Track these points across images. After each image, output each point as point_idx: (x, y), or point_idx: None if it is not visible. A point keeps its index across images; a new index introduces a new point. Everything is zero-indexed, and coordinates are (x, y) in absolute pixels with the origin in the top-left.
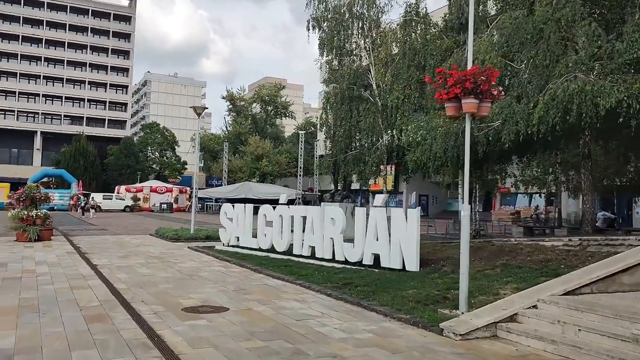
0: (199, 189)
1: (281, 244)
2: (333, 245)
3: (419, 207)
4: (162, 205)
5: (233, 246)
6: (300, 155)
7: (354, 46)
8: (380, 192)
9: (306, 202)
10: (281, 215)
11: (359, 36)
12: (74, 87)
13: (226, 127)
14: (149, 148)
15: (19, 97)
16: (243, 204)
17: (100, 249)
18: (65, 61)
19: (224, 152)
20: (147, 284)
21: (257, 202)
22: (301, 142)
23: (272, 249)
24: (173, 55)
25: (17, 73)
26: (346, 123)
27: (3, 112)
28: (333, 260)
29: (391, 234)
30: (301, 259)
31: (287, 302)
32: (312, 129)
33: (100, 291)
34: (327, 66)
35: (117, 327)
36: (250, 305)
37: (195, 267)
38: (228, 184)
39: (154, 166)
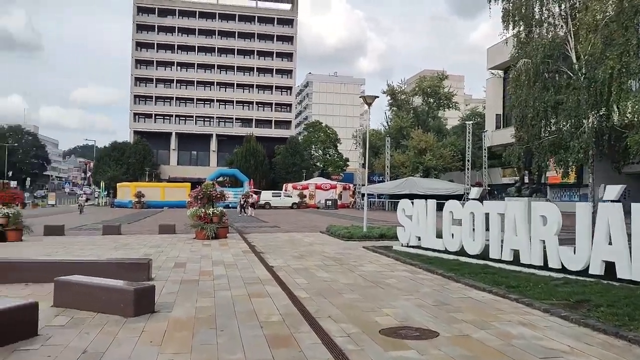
0: (362, 185)
1: (474, 246)
2: (544, 249)
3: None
4: (327, 201)
5: (413, 247)
6: (468, 147)
7: (546, 14)
8: (567, 184)
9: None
10: (472, 213)
11: (553, 2)
12: (243, 92)
13: (387, 122)
14: (313, 146)
15: (196, 103)
16: (424, 200)
17: (274, 247)
18: (235, 67)
19: (386, 147)
20: (329, 293)
21: (422, 198)
22: (468, 133)
23: (461, 252)
24: (331, 57)
25: (194, 81)
26: (540, 103)
27: (184, 118)
28: (545, 267)
29: (632, 235)
30: (502, 265)
31: (511, 325)
32: (478, 119)
33: (280, 301)
34: (515, 40)
35: (305, 355)
36: (464, 329)
37: (377, 272)
38: (390, 180)
39: (317, 164)
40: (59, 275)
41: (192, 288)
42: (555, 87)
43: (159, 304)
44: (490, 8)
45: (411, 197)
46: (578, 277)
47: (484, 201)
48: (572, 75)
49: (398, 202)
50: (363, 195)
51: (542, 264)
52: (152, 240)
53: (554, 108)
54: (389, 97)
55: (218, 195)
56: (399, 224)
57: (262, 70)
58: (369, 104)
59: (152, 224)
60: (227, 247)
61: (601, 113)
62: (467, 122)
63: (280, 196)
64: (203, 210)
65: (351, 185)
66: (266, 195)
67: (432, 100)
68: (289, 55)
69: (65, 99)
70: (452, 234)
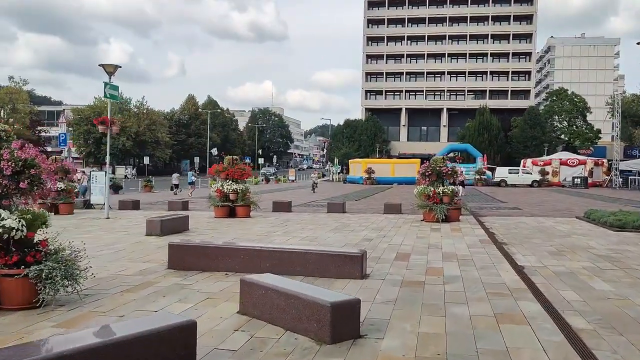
0: (619, 160)
1: None
2: None
3: None
4: (575, 179)
5: None
6: None
7: None
8: None
9: None
10: None
11: None
12: (476, 61)
13: None
14: (556, 117)
15: (426, 77)
16: None
17: (519, 237)
18: (468, 36)
19: None
20: (624, 323)
21: None
22: None
23: None
24: (576, 19)
25: (424, 54)
26: None
27: (414, 93)
28: None
29: None
30: None
31: None
32: None
33: (547, 333)
34: None
35: None
36: None
37: None
38: None
39: (562, 137)
40: (260, 264)
41: (416, 296)
42: None
43: (368, 321)
44: None
45: None
46: None
47: None
48: None
49: None
50: (621, 172)
51: None
52: (376, 221)
53: None
54: None
55: (449, 172)
56: None
57: (497, 37)
58: None
59: (379, 202)
60: (460, 234)
61: None
62: None
63: (518, 173)
64: (432, 188)
65: (604, 161)
66: (502, 172)
67: None
68: (528, 18)
69: (308, 83)
70: None
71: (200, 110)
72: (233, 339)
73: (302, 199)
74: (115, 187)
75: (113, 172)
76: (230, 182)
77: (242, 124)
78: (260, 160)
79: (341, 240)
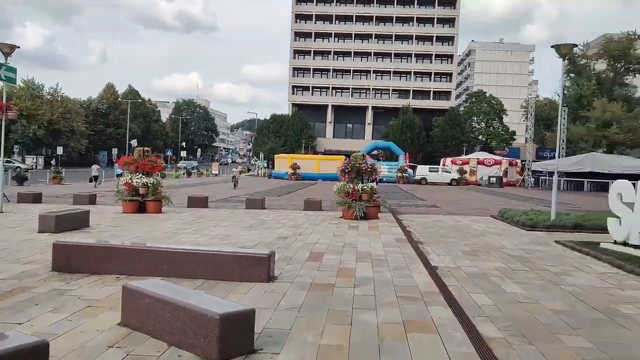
0: (531, 160)
1: None
2: None
3: None
4: (491, 178)
5: (635, 246)
6: None
7: None
8: None
9: None
10: None
11: None
12: (401, 61)
13: (563, 91)
14: (475, 118)
15: (353, 74)
16: None
17: (435, 236)
18: (393, 36)
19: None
20: (535, 330)
21: (608, 177)
22: None
23: None
24: (495, 26)
25: (351, 52)
26: None
27: (340, 90)
28: None
29: None
30: None
31: None
32: None
33: (456, 344)
34: None
35: None
36: None
37: (597, 290)
38: (566, 156)
39: (479, 137)
40: (157, 267)
41: (323, 301)
42: None
43: (267, 332)
44: None
45: (593, 176)
46: None
47: None
48: None
49: (576, 181)
50: (533, 172)
51: None
52: (295, 217)
53: None
54: (566, 62)
55: (369, 169)
56: (610, 213)
57: (421, 38)
58: (564, 55)
59: (301, 198)
60: (378, 232)
61: None
62: None
63: (437, 171)
64: (351, 185)
65: (518, 161)
66: (423, 170)
67: (619, 65)
68: (450, 21)
69: (236, 76)
70: None
71: (120, 99)
72: (104, 358)
73: (222, 194)
74: (19, 179)
75: (23, 162)
76: (140, 175)
77: (165, 116)
78: (183, 153)
79: (254, 239)
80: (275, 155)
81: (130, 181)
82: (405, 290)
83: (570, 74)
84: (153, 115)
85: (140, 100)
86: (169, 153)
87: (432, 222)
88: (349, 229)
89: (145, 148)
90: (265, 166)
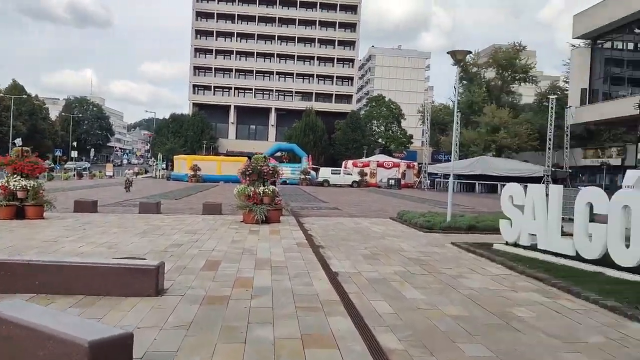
0: (428, 163)
1: (627, 255)
2: None
3: None
4: (390, 180)
5: (524, 247)
6: (550, 123)
7: None
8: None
9: (555, 181)
10: (627, 206)
11: None
12: (303, 64)
13: (456, 97)
14: (375, 122)
15: (256, 75)
16: (543, 185)
17: (337, 239)
18: (296, 38)
19: (454, 124)
20: (436, 339)
21: (498, 180)
22: (551, 108)
23: (601, 260)
24: (394, 33)
25: (254, 52)
26: None
27: (243, 91)
28: None
29: None
30: None
31: None
32: (559, 93)
33: (357, 358)
34: None
35: None
36: None
37: (493, 292)
38: (459, 159)
39: (379, 140)
40: (28, 283)
41: (216, 316)
42: None
43: (149, 356)
44: None
45: (483, 178)
46: None
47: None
48: None
49: (468, 183)
50: (429, 174)
51: None
52: (192, 222)
53: None
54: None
55: (270, 171)
56: (502, 215)
57: (323, 42)
58: (459, 61)
59: (200, 201)
60: (279, 236)
61: None
62: (550, 97)
63: (339, 173)
64: (252, 188)
65: (415, 164)
66: (325, 172)
67: (506, 74)
68: (352, 26)
69: (135, 74)
70: (591, 234)
71: (2, 95)
72: None
73: (114, 198)
74: None
75: None
76: (19, 177)
77: (55, 113)
78: (74, 154)
79: (145, 247)
80: (175, 156)
81: (6, 184)
82: (305, 300)
83: (463, 81)
84: (41, 113)
85: (25, 96)
86: (59, 153)
87: (333, 225)
88: (249, 234)
89: (25, 148)
90: (164, 167)
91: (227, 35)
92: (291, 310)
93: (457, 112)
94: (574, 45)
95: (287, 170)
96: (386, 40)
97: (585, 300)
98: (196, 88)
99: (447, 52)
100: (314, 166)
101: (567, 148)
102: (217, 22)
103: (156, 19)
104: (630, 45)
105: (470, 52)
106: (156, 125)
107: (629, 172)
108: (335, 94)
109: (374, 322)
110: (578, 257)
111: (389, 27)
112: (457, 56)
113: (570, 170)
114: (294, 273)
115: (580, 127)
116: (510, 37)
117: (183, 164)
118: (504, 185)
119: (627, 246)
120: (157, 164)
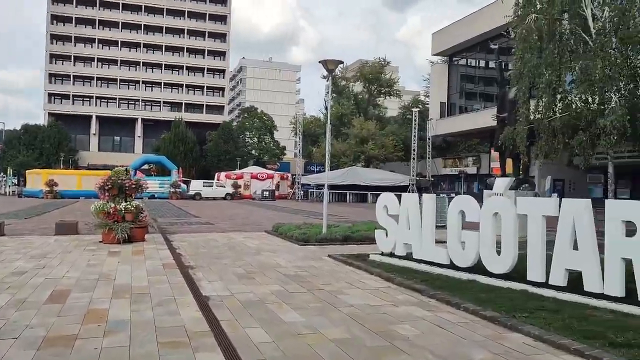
0: (301, 174)
1: (499, 262)
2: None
3: (555, 195)
4: (264, 192)
5: (399, 257)
6: (414, 135)
7: None
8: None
9: (419, 189)
10: (497, 213)
11: None
12: (172, 73)
13: (326, 109)
14: (248, 133)
15: (120, 84)
16: (416, 194)
17: (208, 257)
18: (163, 47)
19: (326, 135)
20: None
21: (367, 189)
22: (414, 120)
23: (475, 268)
24: (263, 46)
25: (117, 60)
26: (553, 72)
27: (106, 100)
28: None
29: None
30: (556, 293)
31: None
32: (420, 107)
33: None
34: None
35: None
36: None
37: (373, 308)
38: (331, 170)
39: (252, 152)
40: None
41: None
42: (572, 51)
43: None
44: None
45: (354, 188)
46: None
47: (501, 195)
48: (588, 37)
49: (340, 193)
50: (302, 185)
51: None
52: (42, 244)
53: (564, 79)
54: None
55: (133, 185)
56: (377, 224)
57: (192, 51)
58: (331, 70)
59: (54, 220)
60: (143, 257)
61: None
62: (413, 109)
63: (212, 186)
64: (112, 205)
65: (289, 175)
66: (197, 185)
67: (373, 87)
68: (222, 36)
69: None
70: (464, 242)
71: None
72: None
73: None
74: None
75: None
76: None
77: None
78: None
79: None
80: (27, 171)
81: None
82: (169, 334)
83: (333, 94)
84: None
85: None
86: None
87: (204, 241)
88: (108, 256)
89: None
90: (15, 183)
91: (88, 41)
92: (152, 348)
93: (329, 122)
94: (432, 62)
95: (155, 184)
96: (259, 52)
97: (465, 311)
98: (52, 97)
99: (319, 62)
100: (184, 179)
101: (429, 158)
102: (75, 26)
103: (3, 22)
104: (482, 63)
105: (342, 62)
106: (5, 137)
107: (498, 180)
108: (206, 105)
109: (249, 355)
110: (452, 266)
111: (261, 38)
112: (329, 65)
113: (432, 179)
114: (158, 300)
115: (439, 139)
116: (373, 53)
117: (37, 179)
118: (373, 195)
119: (499, 252)
120: (6, 180)
